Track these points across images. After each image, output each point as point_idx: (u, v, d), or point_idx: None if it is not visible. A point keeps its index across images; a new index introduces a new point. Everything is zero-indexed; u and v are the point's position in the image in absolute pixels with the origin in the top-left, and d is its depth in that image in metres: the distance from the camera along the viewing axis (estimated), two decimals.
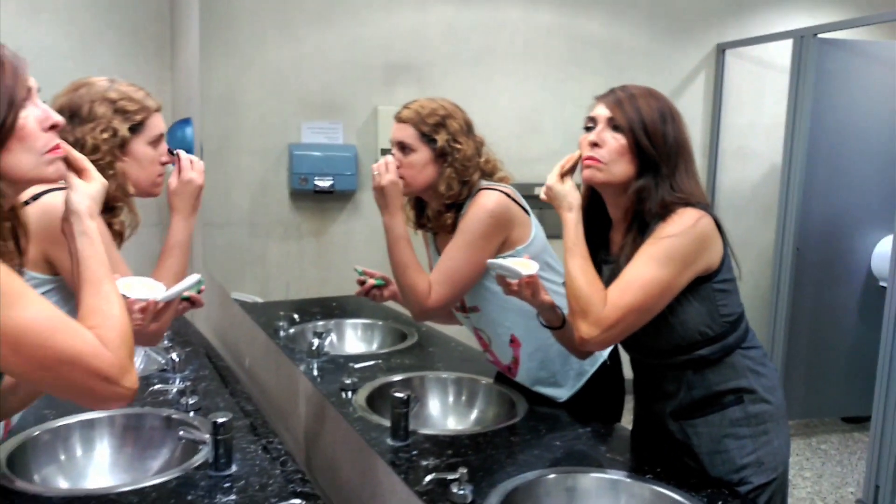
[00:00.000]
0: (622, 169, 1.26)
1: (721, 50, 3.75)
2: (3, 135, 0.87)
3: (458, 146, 1.59)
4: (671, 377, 1.30)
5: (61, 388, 0.90)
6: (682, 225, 1.21)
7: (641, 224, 1.26)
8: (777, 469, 1.30)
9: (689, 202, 1.23)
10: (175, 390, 1.69)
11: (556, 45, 3.59)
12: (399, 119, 1.63)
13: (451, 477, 1.16)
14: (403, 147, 1.60)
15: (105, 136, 1.28)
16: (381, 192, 1.58)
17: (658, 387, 1.32)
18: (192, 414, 1.57)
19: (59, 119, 0.94)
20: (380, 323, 2.26)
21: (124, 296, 1.06)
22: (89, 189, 1.02)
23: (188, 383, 1.69)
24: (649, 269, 1.19)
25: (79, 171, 1.02)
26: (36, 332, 0.80)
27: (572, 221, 1.28)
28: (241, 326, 2.07)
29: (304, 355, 1.87)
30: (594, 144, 1.28)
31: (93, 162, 1.08)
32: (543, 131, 3.55)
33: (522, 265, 1.29)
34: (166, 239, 1.40)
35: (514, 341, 1.63)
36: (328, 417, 1.52)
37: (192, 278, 1.23)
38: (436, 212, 1.63)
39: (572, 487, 1.26)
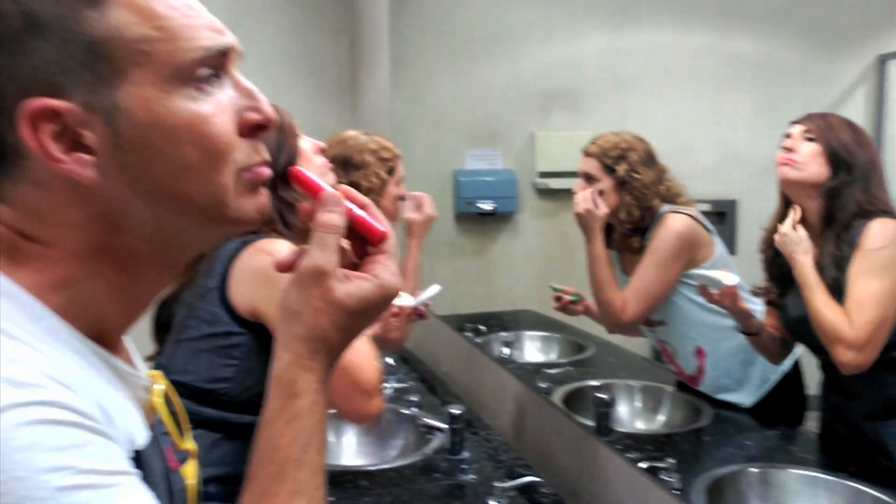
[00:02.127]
0: (816, 170, 1.39)
1: (882, 61, 3.69)
2: (294, 156, 1.23)
3: (637, 176, 1.77)
4: (864, 378, 1.40)
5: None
6: (887, 236, 1.32)
7: (837, 228, 1.36)
8: None
9: (885, 210, 1.35)
10: (393, 390, 1.97)
11: (707, 65, 3.67)
12: (586, 153, 1.84)
13: (661, 465, 1.34)
14: (589, 178, 1.80)
15: (374, 180, 1.58)
16: (579, 219, 1.79)
17: (850, 387, 1.43)
18: (412, 409, 1.83)
19: (323, 144, 1.30)
20: (557, 335, 2.46)
21: None
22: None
23: (406, 385, 1.97)
24: (872, 283, 1.31)
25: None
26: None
27: (808, 264, 1.38)
28: (438, 336, 2.34)
29: (496, 362, 2.10)
30: (789, 150, 1.42)
31: None
32: (697, 150, 3.63)
33: (724, 276, 1.45)
34: (406, 260, 1.68)
35: (699, 352, 1.78)
36: (540, 414, 1.74)
37: (435, 289, 1.48)
38: (621, 235, 1.82)
39: (771, 481, 1.40)
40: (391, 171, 1.65)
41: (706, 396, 1.80)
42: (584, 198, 1.78)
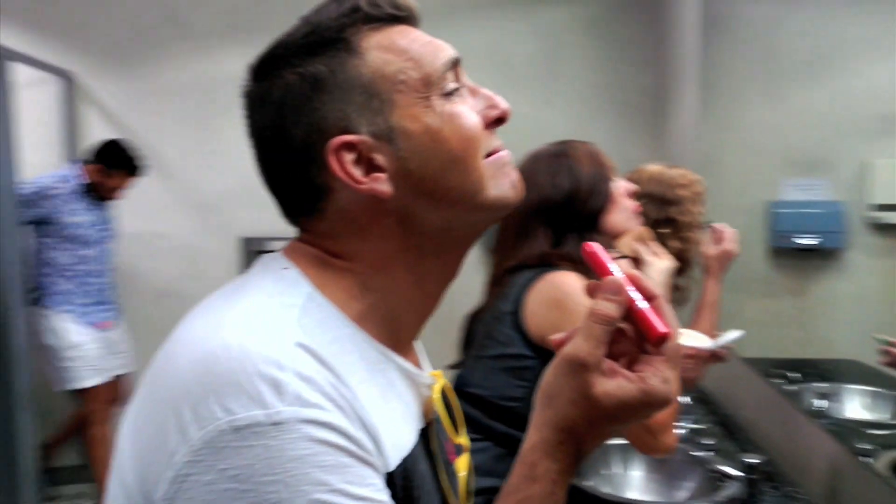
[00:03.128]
0: None
1: None
2: (605, 201, 1.25)
3: None
4: None
5: None
6: None
7: None
8: None
9: None
10: (687, 431, 1.88)
11: None
12: None
13: None
14: None
15: (688, 216, 1.57)
16: None
17: None
18: (706, 453, 1.73)
19: (636, 187, 1.30)
20: (889, 392, 2.14)
21: None
22: (663, 265, 1.31)
23: (701, 426, 1.87)
24: None
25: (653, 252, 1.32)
26: None
27: None
28: (742, 380, 2.19)
29: (807, 415, 1.89)
30: None
31: (681, 237, 1.38)
32: None
33: None
34: (701, 297, 1.61)
35: None
36: (858, 479, 1.53)
37: (735, 334, 1.40)
38: None
39: None
40: (700, 205, 1.62)
41: None
42: None
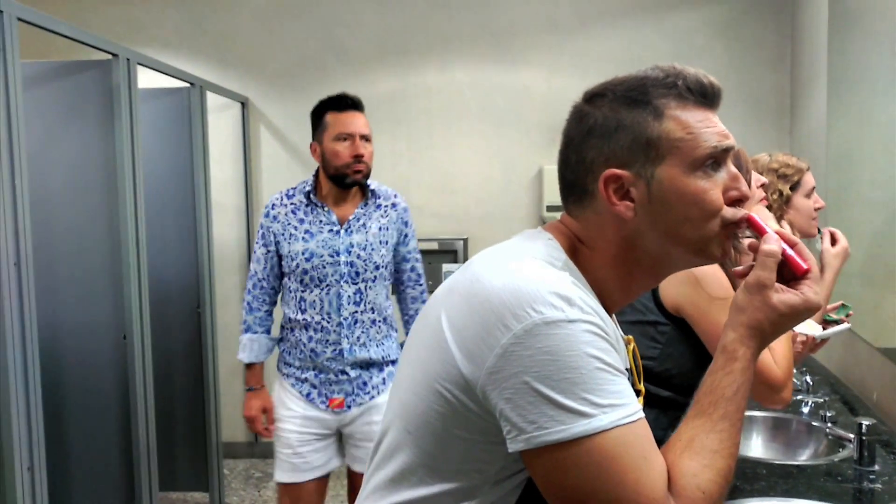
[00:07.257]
0: None
1: None
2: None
3: None
4: None
5: None
6: None
7: None
8: None
9: None
10: (810, 405, 2.01)
11: None
12: None
13: None
14: None
15: (774, 196, 1.73)
16: None
17: None
18: (828, 424, 1.86)
19: (765, 179, 1.45)
20: None
21: None
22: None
23: (822, 400, 1.99)
24: None
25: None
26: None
27: None
28: (869, 363, 2.26)
29: None
30: None
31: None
32: None
33: None
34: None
35: None
36: None
37: (844, 326, 1.56)
38: None
39: None
40: (795, 186, 1.75)
41: None
42: None
